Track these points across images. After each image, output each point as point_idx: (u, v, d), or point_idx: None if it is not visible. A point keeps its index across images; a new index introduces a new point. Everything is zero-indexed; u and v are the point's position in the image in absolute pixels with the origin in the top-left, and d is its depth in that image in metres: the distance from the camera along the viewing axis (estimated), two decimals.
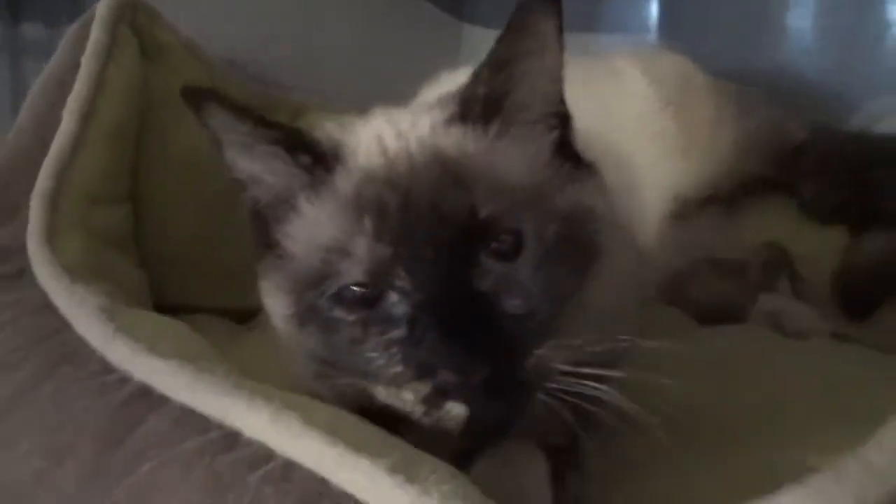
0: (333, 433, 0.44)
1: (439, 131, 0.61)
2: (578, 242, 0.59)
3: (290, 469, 0.43)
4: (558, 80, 0.62)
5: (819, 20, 1.69)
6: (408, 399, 0.53)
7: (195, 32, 1.13)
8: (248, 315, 1.04)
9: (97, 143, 0.88)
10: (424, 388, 0.51)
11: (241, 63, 1.24)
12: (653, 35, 1.67)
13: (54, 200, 0.81)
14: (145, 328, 0.62)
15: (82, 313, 0.62)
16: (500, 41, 0.58)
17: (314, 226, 0.59)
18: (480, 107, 0.60)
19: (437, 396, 0.51)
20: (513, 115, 0.61)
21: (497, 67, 0.59)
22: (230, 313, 1.06)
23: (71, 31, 0.94)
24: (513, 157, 0.59)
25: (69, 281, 0.68)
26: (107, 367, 0.55)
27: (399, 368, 0.53)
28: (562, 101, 0.63)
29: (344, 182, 0.59)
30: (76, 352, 0.58)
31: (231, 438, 0.46)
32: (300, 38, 1.44)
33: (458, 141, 0.60)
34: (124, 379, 0.53)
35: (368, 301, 0.55)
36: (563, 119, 0.64)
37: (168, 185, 1.01)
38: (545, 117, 0.63)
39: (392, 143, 0.61)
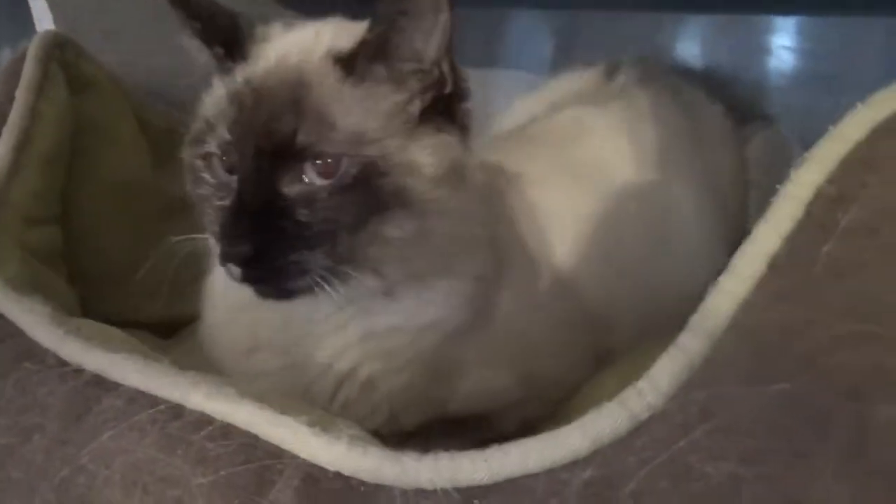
0: (262, 401, 0.56)
1: (321, 61, 0.73)
2: (380, 189, 0.69)
3: (228, 429, 0.55)
4: (438, 45, 0.70)
5: (705, 59, 1.90)
6: (216, 252, 0.70)
7: (115, 65, 1.21)
8: (171, 330, 1.13)
9: (32, 169, 0.97)
10: (219, 247, 0.69)
11: (158, 92, 1.32)
12: (548, 71, 1.83)
13: None
14: (91, 330, 0.72)
15: (32, 321, 0.71)
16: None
17: (211, 99, 0.76)
18: (357, 58, 0.71)
19: (223, 257, 0.68)
20: (376, 69, 0.71)
21: (380, 22, 0.69)
22: (153, 327, 1.14)
23: (4, 67, 1.02)
24: (355, 105, 0.71)
25: (16, 294, 0.77)
26: (62, 362, 0.65)
27: (216, 228, 0.71)
28: (436, 66, 0.71)
29: (239, 75, 0.74)
30: (32, 351, 0.67)
31: (178, 409, 0.57)
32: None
33: (324, 77, 0.72)
34: (79, 370, 0.63)
35: (227, 170, 0.72)
36: (435, 83, 0.72)
37: (97, 205, 1.10)
38: (409, 75, 0.72)
39: (289, 57, 0.73)
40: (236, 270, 0.68)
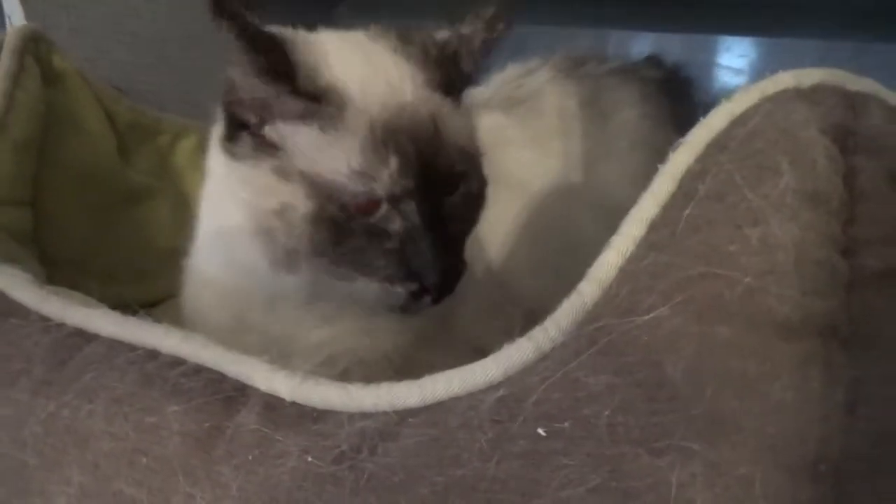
0: (227, 346, 0.65)
1: (422, 92, 0.78)
2: (483, 195, 0.83)
3: (199, 368, 0.63)
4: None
5: None
6: (398, 292, 0.75)
7: (82, 60, 1.29)
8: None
9: (6, 153, 1.04)
10: (413, 285, 0.75)
11: (121, 86, 1.39)
12: None
13: None
14: (68, 293, 0.79)
15: (13, 283, 0.78)
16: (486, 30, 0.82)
17: (335, 150, 0.73)
18: (455, 81, 0.80)
19: (423, 291, 0.75)
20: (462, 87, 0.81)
21: (475, 49, 0.80)
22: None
23: None
24: (462, 126, 0.81)
25: None
26: (44, 318, 0.72)
27: (393, 271, 0.74)
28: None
29: (355, 121, 0.73)
30: (16, 309, 0.73)
31: (154, 353, 0.65)
32: (177, 64, 1.60)
33: (437, 106, 0.78)
34: (60, 324, 0.71)
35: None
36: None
37: (64, 192, 1.17)
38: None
39: (389, 94, 0.76)
40: (429, 299, 0.75)
